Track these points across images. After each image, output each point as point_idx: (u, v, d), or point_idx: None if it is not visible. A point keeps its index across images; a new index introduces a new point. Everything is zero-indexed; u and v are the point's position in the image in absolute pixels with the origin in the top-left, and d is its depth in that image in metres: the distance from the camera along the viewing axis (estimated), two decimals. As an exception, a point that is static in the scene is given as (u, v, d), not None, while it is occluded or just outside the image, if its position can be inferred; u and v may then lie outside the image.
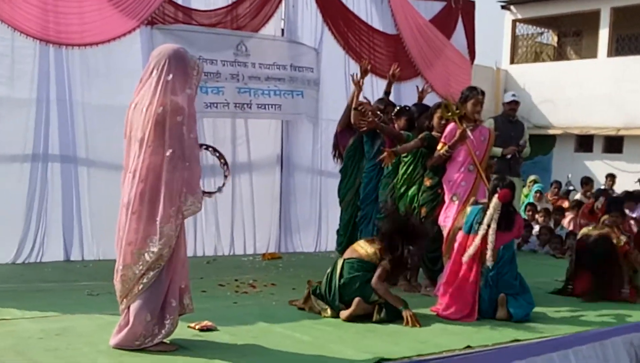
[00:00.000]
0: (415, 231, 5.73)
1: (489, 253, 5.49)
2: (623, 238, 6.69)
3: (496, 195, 5.60)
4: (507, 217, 5.62)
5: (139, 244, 4.14)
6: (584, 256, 6.75)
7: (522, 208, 12.06)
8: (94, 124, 7.95)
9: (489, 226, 5.54)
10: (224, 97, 8.66)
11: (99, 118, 7.93)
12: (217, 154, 4.76)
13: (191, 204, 4.20)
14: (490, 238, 5.52)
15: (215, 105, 8.61)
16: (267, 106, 9.11)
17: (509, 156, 9.19)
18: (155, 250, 4.12)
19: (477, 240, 5.54)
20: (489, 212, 5.57)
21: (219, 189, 4.72)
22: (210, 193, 4.67)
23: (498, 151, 9.06)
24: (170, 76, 4.19)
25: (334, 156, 8.02)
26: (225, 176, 4.71)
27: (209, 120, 8.64)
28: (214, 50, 8.52)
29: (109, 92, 7.90)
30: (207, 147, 4.76)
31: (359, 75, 7.29)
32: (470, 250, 5.55)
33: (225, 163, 4.74)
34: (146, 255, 4.14)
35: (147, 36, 8.10)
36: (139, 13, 7.88)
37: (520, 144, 9.28)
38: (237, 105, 8.83)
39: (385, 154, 6.56)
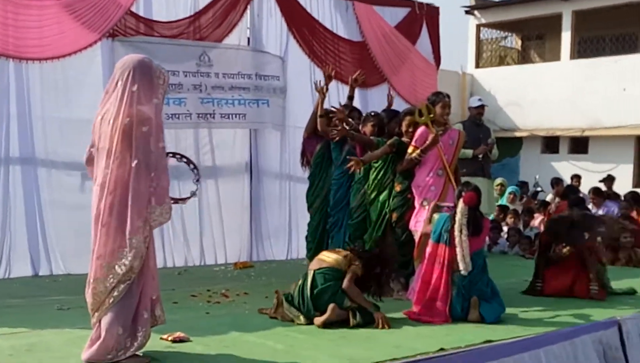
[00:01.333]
0: (388, 258, 5.80)
1: (461, 259, 5.50)
2: (586, 236, 6.77)
3: (461, 199, 5.64)
4: (474, 221, 5.65)
5: (109, 257, 4.11)
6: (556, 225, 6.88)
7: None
8: (54, 138, 7.88)
9: (461, 232, 5.56)
10: (186, 108, 8.64)
11: (59, 132, 7.87)
12: (185, 160, 4.75)
13: (159, 215, 4.17)
14: (464, 244, 5.53)
15: (177, 116, 8.58)
16: (231, 116, 9.09)
17: (480, 157, 9.30)
18: (126, 262, 4.09)
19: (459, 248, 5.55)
20: (457, 218, 5.60)
21: (193, 194, 4.71)
22: (184, 199, 4.66)
23: (469, 152, 9.16)
24: (136, 86, 4.17)
25: (302, 163, 8.03)
26: (197, 181, 4.70)
27: (171, 131, 8.56)
28: (176, 61, 8.49)
29: (70, 106, 7.86)
30: (174, 154, 4.75)
31: (322, 82, 7.31)
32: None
33: (195, 168, 4.74)
34: (117, 267, 4.10)
35: (108, 49, 8.05)
36: (100, 26, 7.82)
37: (489, 142, 9.41)
38: (200, 115, 8.81)
39: (352, 163, 6.59)
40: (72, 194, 7.83)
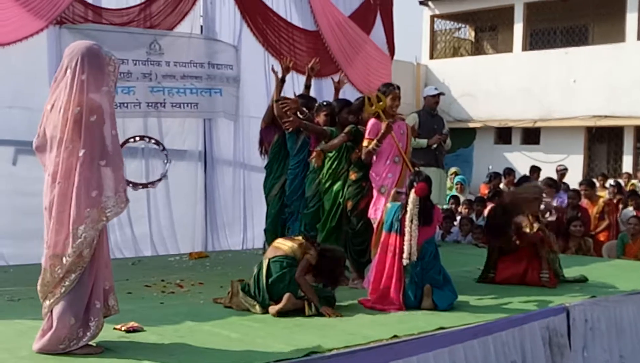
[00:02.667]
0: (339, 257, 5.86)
1: (406, 249, 5.56)
2: (536, 226, 6.88)
3: (413, 190, 5.69)
4: (425, 211, 5.70)
5: (58, 247, 4.06)
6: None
7: (447, 199, 12.30)
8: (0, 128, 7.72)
9: (412, 222, 5.61)
10: (135, 97, 8.54)
11: (4, 121, 7.72)
12: (154, 142, 4.72)
13: (114, 204, 4.12)
14: (413, 234, 5.58)
15: (125, 105, 8.47)
16: (182, 105, 9.02)
17: (434, 146, 9.39)
18: (70, 252, 4.04)
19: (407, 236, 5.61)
20: (409, 208, 5.65)
21: (163, 176, 4.68)
22: (153, 182, 4.63)
23: (423, 142, 9.25)
24: (85, 74, 4.11)
25: (260, 152, 8.01)
26: (166, 163, 4.67)
27: (118, 120, 8.40)
28: (126, 49, 8.37)
29: (15, 95, 7.72)
30: (142, 138, 4.71)
31: (279, 71, 7.29)
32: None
33: (164, 149, 4.71)
34: (64, 258, 4.06)
35: (54, 36, 7.91)
36: (48, 13, 7.67)
37: (444, 133, 9.50)
38: (150, 104, 8.72)
39: (314, 155, 6.59)
40: (18, 183, 7.68)
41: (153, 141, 4.78)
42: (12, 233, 7.70)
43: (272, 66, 7.68)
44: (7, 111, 7.73)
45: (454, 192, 13.10)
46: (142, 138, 4.72)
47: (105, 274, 4.27)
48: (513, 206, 6.97)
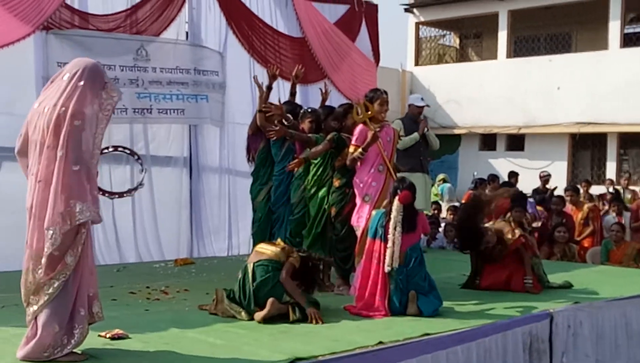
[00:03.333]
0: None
1: (389, 255, 5.57)
2: (517, 232, 6.91)
3: (397, 197, 5.71)
4: (409, 218, 5.72)
5: (36, 247, 4.07)
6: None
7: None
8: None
9: (395, 229, 5.63)
10: (122, 103, 8.50)
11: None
12: (129, 152, 4.73)
13: (80, 212, 4.08)
14: (396, 240, 5.59)
15: None
16: (169, 111, 9.00)
17: (426, 133, 9.45)
18: (47, 252, 4.04)
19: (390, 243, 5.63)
20: (392, 215, 5.66)
21: (140, 185, 4.68)
22: (130, 191, 4.63)
23: (415, 135, 9.31)
24: (82, 82, 4.13)
25: (248, 159, 8.00)
26: (143, 171, 4.68)
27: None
28: (113, 55, 8.37)
29: (1, 100, 7.67)
30: (116, 148, 4.71)
31: (260, 78, 7.30)
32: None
33: (139, 158, 4.71)
34: (42, 258, 4.06)
35: (41, 42, 7.89)
36: (34, 18, 7.62)
37: (421, 119, 9.60)
38: (137, 110, 8.69)
39: (294, 162, 6.60)
40: (3, 191, 7.64)
41: (127, 151, 4.79)
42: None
43: (255, 75, 7.67)
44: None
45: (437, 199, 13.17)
46: (115, 148, 4.72)
47: (90, 281, 4.26)
48: (475, 209, 7.00)
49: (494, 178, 14.18)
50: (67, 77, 4.15)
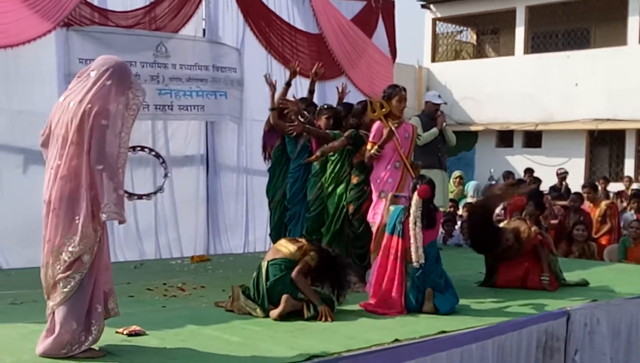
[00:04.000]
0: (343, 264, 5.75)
1: (414, 251, 5.56)
2: (534, 230, 6.88)
3: (416, 192, 5.70)
4: (428, 214, 5.71)
5: (57, 243, 4.08)
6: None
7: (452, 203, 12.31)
8: (5, 131, 7.73)
9: (415, 224, 5.61)
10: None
11: (13, 124, 7.72)
12: (154, 153, 4.73)
13: (107, 211, 4.08)
14: (418, 236, 5.57)
15: None
16: (189, 108, 9.02)
17: (444, 128, 9.44)
18: (74, 250, 4.06)
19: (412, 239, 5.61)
20: (412, 210, 5.65)
21: (160, 189, 4.67)
22: (149, 194, 4.63)
23: (434, 130, 9.30)
24: (110, 81, 4.14)
25: (264, 156, 8.01)
26: (166, 175, 4.68)
27: (128, 123, 8.49)
28: (133, 51, 8.38)
29: (23, 97, 7.72)
30: (143, 148, 4.71)
31: (276, 75, 7.31)
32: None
33: (164, 162, 4.71)
34: (64, 254, 4.08)
35: (62, 38, 7.94)
36: (55, 15, 7.67)
37: (438, 114, 9.59)
38: (158, 107, 8.70)
39: (313, 157, 6.60)
40: (24, 185, 7.70)
41: (153, 153, 4.79)
42: (14, 237, 7.71)
43: (267, 74, 7.68)
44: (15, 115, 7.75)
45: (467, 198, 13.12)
46: (142, 148, 4.72)
47: (106, 277, 4.29)
48: (484, 209, 6.95)
49: (508, 174, 14.18)
50: (94, 75, 4.16)
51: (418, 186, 5.73)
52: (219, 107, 9.35)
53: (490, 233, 6.71)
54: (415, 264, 5.56)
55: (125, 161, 4.22)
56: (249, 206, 9.77)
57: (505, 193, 7.16)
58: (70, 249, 4.07)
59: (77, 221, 4.05)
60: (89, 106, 4.06)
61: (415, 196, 5.68)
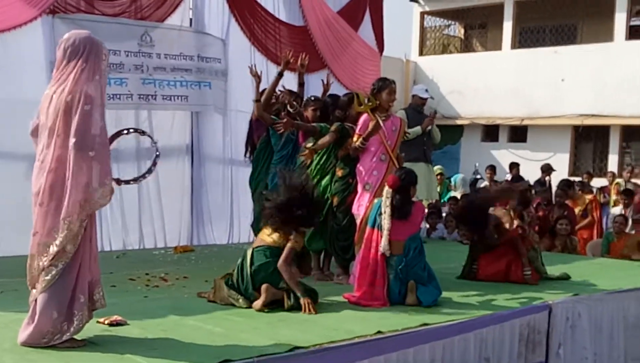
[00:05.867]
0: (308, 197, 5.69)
1: (384, 240, 5.59)
2: (516, 223, 6.91)
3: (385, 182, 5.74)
4: (401, 205, 5.72)
5: (45, 235, 4.06)
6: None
7: (446, 199, 12.37)
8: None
9: (385, 213, 5.65)
10: (127, 89, 8.52)
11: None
12: (147, 134, 4.72)
13: (100, 196, 4.10)
14: (385, 225, 5.62)
15: (118, 96, 8.45)
16: (173, 98, 8.99)
17: (428, 128, 9.43)
18: (57, 242, 4.04)
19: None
20: (382, 200, 5.70)
21: (149, 172, 4.66)
22: (137, 179, 4.62)
23: (418, 129, 9.30)
24: (83, 63, 4.13)
25: (246, 148, 7.95)
26: (157, 156, 4.66)
27: (111, 112, 8.40)
28: (118, 40, 8.35)
29: (8, 85, 7.67)
30: (135, 130, 4.70)
31: (260, 67, 7.28)
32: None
33: (155, 143, 4.69)
34: (51, 247, 4.06)
35: (48, 26, 7.89)
36: (40, 2, 7.65)
37: (430, 113, 9.57)
38: (142, 96, 8.69)
39: (306, 153, 6.59)
40: (11, 174, 7.64)
41: (146, 134, 4.78)
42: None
43: (251, 65, 7.65)
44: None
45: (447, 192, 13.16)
46: (135, 130, 4.70)
47: (92, 267, 4.26)
48: (481, 201, 7.00)
49: (492, 168, 14.25)
50: (68, 61, 4.13)
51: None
52: (203, 98, 9.32)
53: (481, 212, 6.81)
54: (384, 251, 5.61)
55: (109, 143, 4.20)
56: (233, 197, 9.75)
57: (504, 195, 7.20)
58: (57, 242, 4.05)
59: (62, 211, 4.03)
60: (70, 96, 4.04)
61: (385, 186, 5.72)
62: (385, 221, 5.63)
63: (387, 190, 5.70)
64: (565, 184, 11.26)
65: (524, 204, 7.41)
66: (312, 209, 5.65)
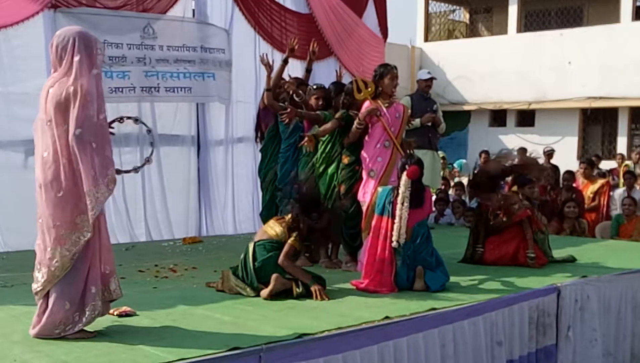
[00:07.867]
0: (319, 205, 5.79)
1: (396, 230, 5.57)
2: (525, 205, 6.89)
3: (405, 173, 5.70)
4: (417, 194, 5.72)
5: (65, 226, 4.07)
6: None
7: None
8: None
9: (402, 204, 5.62)
10: (130, 82, 8.51)
11: (1, 106, 7.71)
12: (141, 121, 4.74)
13: (105, 188, 4.12)
14: (403, 216, 5.59)
15: (120, 89, 8.45)
16: (176, 89, 8.99)
17: (429, 125, 9.39)
18: (84, 234, 4.07)
19: (397, 218, 5.63)
20: (400, 191, 5.66)
21: (148, 160, 4.67)
22: (136, 168, 4.63)
23: (417, 122, 9.25)
24: (77, 57, 4.14)
25: (256, 136, 7.95)
26: (152, 144, 4.67)
27: (113, 105, 8.42)
28: (120, 33, 8.35)
29: (11, 79, 7.71)
30: (129, 118, 4.72)
31: (268, 55, 7.27)
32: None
33: (149, 130, 4.71)
34: (78, 236, 4.09)
35: (50, 20, 7.91)
36: (42, -4, 7.66)
37: (434, 109, 9.52)
38: (144, 89, 8.69)
39: (305, 140, 6.59)
40: (14, 168, 7.68)
41: (140, 122, 4.79)
42: (4, 221, 7.71)
43: (263, 54, 7.62)
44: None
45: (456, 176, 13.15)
46: (128, 118, 4.72)
47: (107, 258, 4.28)
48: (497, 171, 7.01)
49: (486, 153, 14.26)
50: (62, 57, 4.15)
51: (407, 166, 5.73)
52: (207, 89, 9.30)
53: (491, 177, 6.88)
54: (394, 244, 5.59)
55: (107, 128, 4.22)
56: (240, 187, 9.76)
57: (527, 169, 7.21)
58: (83, 231, 4.07)
59: (78, 202, 4.05)
60: (66, 91, 4.06)
61: (404, 177, 5.68)
62: (404, 212, 5.60)
63: (405, 180, 5.67)
64: (588, 162, 11.29)
65: (524, 184, 7.34)
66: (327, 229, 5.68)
